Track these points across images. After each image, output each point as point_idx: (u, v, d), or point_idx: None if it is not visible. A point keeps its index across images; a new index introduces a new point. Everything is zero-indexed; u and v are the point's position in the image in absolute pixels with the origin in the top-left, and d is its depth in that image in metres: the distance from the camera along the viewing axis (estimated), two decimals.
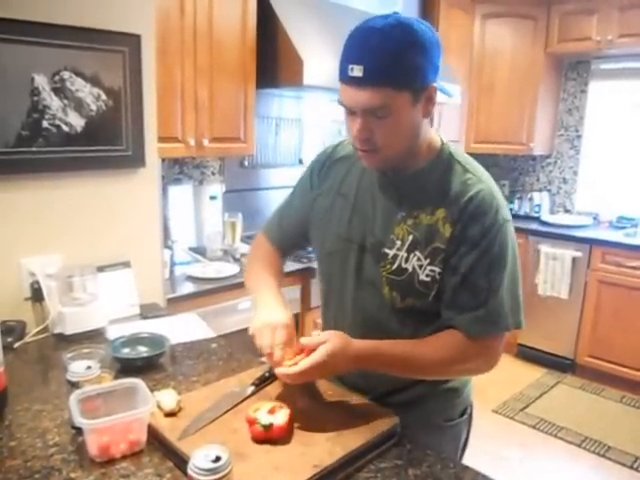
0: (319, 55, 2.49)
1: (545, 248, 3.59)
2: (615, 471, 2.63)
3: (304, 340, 1.06)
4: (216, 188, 2.67)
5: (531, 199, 4.04)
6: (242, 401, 1.13)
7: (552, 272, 3.56)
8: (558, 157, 4.11)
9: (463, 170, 1.09)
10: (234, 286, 2.22)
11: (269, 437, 0.98)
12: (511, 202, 4.15)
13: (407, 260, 1.09)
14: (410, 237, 1.09)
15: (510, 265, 1.07)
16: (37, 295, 1.56)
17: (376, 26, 0.98)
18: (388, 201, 1.14)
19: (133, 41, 1.65)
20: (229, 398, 1.13)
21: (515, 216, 4.04)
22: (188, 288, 2.17)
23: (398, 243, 1.10)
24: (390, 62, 0.95)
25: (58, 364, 1.31)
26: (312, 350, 1.03)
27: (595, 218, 3.87)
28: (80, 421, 0.95)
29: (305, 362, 1.01)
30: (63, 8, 1.51)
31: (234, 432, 1.01)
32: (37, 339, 1.52)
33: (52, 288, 1.53)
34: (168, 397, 1.08)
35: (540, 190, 4.18)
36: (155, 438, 1.01)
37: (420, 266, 1.08)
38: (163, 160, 2.54)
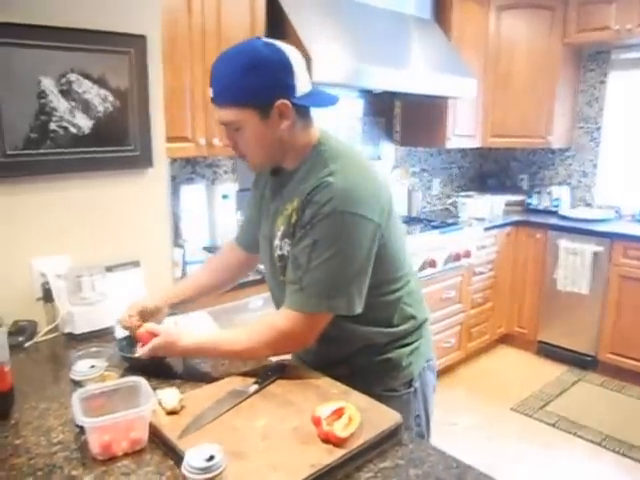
0: (328, 52, 2.48)
1: (565, 243, 3.52)
2: (637, 471, 2.57)
3: (146, 325, 1.30)
4: (229, 187, 2.68)
5: (550, 193, 3.97)
6: (244, 399, 1.13)
7: (572, 267, 3.49)
8: (577, 150, 4.03)
9: (324, 166, 1.18)
10: (245, 284, 2.22)
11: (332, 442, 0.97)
12: (529, 196, 4.08)
13: (281, 248, 1.24)
14: (282, 227, 1.24)
15: (343, 254, 1.14)
16: (48, 295, 1.58)
17: (225, 52, 1.16)
18: (274, 197, 1.31)
19: (139, 42, 1.66)
20: (231, 397, 1.13)
21: (534, 211, 3.99)
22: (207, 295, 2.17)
23: (278, 234, 1.25)
24: (227, 85, 1.14)
25: (67, 363, 1.33)
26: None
27: (617, 212, 3.78)
28: (81, 419, 0.95)
29: (147, 346, 1.24)
30: (67, 11, 1.53)
31: (234, 430, 1.01)
32: (47, 338, 1.54)
33: (61, 288, 1.55)
34: (170, 396, 1.09)
35: (559, 184, 4.10)
36: (156, 436, 1.02)
37: (287, 251, 1.23)
38: (175, 160, 2.56)
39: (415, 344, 1.33)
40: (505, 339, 3.94)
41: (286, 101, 1.14)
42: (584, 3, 3.49)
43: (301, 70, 1.18)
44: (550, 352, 3.71)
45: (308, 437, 0.98)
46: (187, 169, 2.65)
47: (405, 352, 1.31)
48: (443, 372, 3.39)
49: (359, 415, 1.02)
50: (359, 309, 1.18)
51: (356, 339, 1.29)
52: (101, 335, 1.54)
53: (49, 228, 1.62)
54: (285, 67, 1.14)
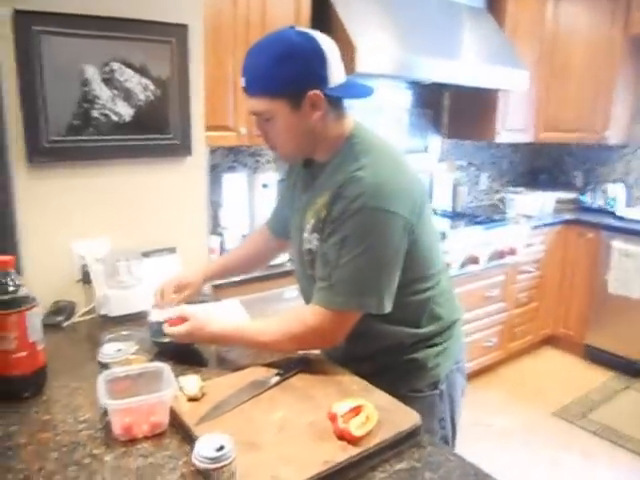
0: (375, 42, 2.43)
1: (618, 244, 3.36)
2: None
3: (178, 308, 1.31)
4: (270, 176, 2.69)
5: (605, 191, 3.78)
6: (265, 391, 1.13)
7: (625, 270, 3.32)
8: (637, 147, 3.81)
9: (354, 159, 1.16)
10: (281, 274, 2.23)
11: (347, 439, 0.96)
12: (583, 194, 3.91)
13: (309, 241, 1.22)
14: (312, 221, 1.21)
15: (373, 251, 1.11)
16: (86, 277, 1.63)
17: (258, 42, 1.15)
18: (306, 189, 1.29)
19: (180, 31, 1.67)
20: (252, 387, 1.13)
21: (588, 209, 3.82)
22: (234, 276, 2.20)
23: (307, 227, 1.23)
24: (260, 75, 1.13)
25: (100, 344, 1.37)
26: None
27: None
28: (104, 401, 0.98)
29: (177, 328, 1.25)
30: (110, 0, 1.56)
31: (251, 421, 1.02)
32: (85, 319, 1.60)
33: (99, 271, 1.60)
34: (192, 382, 1.10)
35: (615, 182, 3.90)
36: (176, 422, 1.03)
37: (316, 245, 1.21)
38: (217, 148, 2.59)
39: (443, 345, 1.30)
40: (550, 340, 3.81)
41: (318, 92, 1.12)
42: None
43: (335, 60, 1.15)
44: (597, 357, 3.56)
45: (324, 433, 0.98)
46: (229, 157, 2.67)
47: (432, 353, 1.28)
48: (482, 372, 3.32)
49: (377, 414, 1.00)
50: (389, 308, 1.16)
51: (383, 337, 1.26)
52: (135, 319, 1.58)
53: (90, 212, 1.67)
54: (318, 56, 1.12)
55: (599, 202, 3.82)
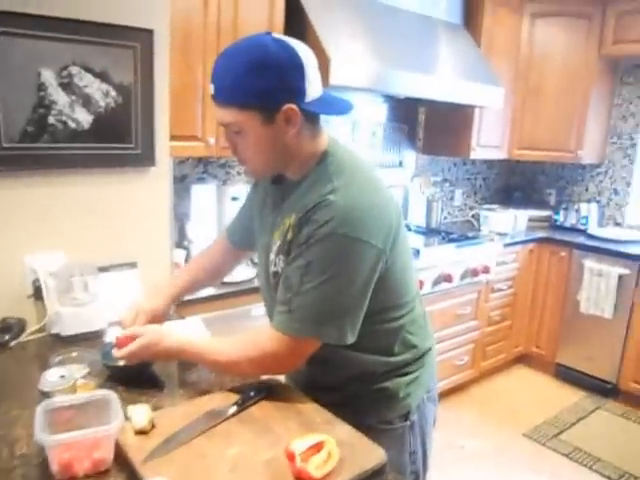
0: (349, 53, 2.39)
1: (590, 263, 3.36)
2: None
3: (127, 329, 1.24)
4: (240, 189, 2.61)
5: (578, 210, 3.80)
6: (221, 422, 1.05)
7: (596, 289, 3.33)
8: (610, 166, 3.85)
9: (327, 181, 1.08)
10: (248, 291, 2.16)
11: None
12: (557, 213, 3.92)
13: (275, 264, 1.16)
14: (278, 242, 1.15)
15: (338, 280, 1.04)
16: (39, 293, 1.53)
17: (231, 46, 1.05)
18: (274, 208, 1.22)
19: (145, 36, 1.60)
20: (207, 418, 1.05)
21: (560, 228, 3.83)
22: (200, 291, 2.11)
23: (274, 248, 1.16)
24: (230, 83, 1.03)
25: (47, 368, 1.27)
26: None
27: None
28: (40, 436, 0.89)
29: (128, 348, 1.17)
30: (72, 1, 1.48)
31: (202, 458, 0.94)
32: (35, 338, 1.49)
33: (52, 287, 1.50)
34: (141, 413, 1.02)
35: (588, 201, 3.93)
36: (121, 457, 0.95)
37: (281, 268, 1.14)
38: (187, 159, 2.51)
39: (415, 374, 1.23)
40: (522, 359, 3.79)
41: (294, 106, 1.04)
42: (623, 13, 3.32)
43: (313, 72, 1.06)
44: (568, 376, 3.55)
45: (281, 473, 0.90)
46: (199, 168, 2.59)
47: (404, 382, 1.21)
48: (454, 391, 3.27)
49: (339, 451, 0.93)
50: (351, 339, 1.08)
51: (351, 366, 1.19)
52: (90, 338, 1.49)
53: (45, 224, 1.57)
54: (296, 67, 1.03)
55: (572, 221, 3.83)
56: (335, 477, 0.89)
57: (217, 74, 1.06)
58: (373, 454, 0.97)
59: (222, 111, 1.06)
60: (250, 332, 1.16)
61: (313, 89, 1.07)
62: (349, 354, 1.15)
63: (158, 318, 1.36)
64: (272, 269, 1.17)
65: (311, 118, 1.09)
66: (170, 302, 1.43)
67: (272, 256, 1.17)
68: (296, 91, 1.04)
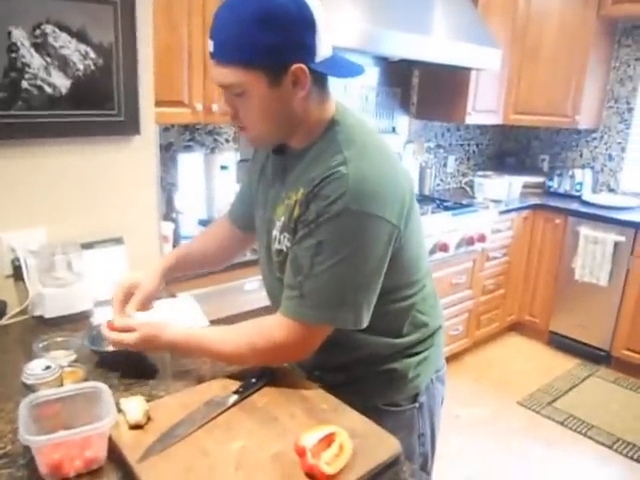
0: (339, 12, 2.25)
1: (585, 230, 3.32)
2: None
3: (117, 321, 1.13)
4: (229, 157, 2.50)
5: (572, 176, 3.74)
6: (221, 412, 0.98)
7: (591, 256, 3.30)
8: (605, 131, 3.78)
9: (337, 151, 0.99)
10: (242, 265, 2.06)
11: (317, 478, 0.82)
12: (550, 179, 3.86)
13: (279, 241, 1.07)
14: (283, 218, 1.06)
15: (352, 261, 0.96)
16: (18, 273, 1.43)
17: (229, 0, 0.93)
18: (275, 180, 1.12)
19: None
20: (207, 408, 0.98)
21: (554, 194, 3.78)
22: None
23: (277, 224, 1.08)
24: (233, 38, 0.91)
25: (32, 352, 1.18)
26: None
27: None
28: (25, 437, 0.81)
29: (127, 336, 1.08)
30: None
31: (204, 455, 0.86)
32: (16, 321, 1.40)
33: (32, 266, 1.40)
34: (135, 406, 0.94)
35: (583, 167, 3.87)
36: (115, 454, 0.87)
37: (287, 246, 1.05)
38: (173, 126, 2.38)
39: (425, 353, 1.17)
40: (516, 327, 3.79)
41: (303, 66, 0.93)
42: None
43: (324, 28, 0.95)
44: (562, 344, 3.55)
45: (290, 469, 0.84)
46: (185, 136, 2.47)
47: (413, 362, 1.15)
48: (449, 360, 3.20)
49: (351, 442, 0.87)
50: (366, 322, 1.01)
51: (359, 347, 1.12)
52: (75, 320, 1.40)
53: (22, 198, 1.46)
54: (307, 22, 0.92)
55: (566, 187, 3.78)
56: (349, 472, 0.83)
57: (217, 28, 0.94)
58: (387, 444, 0.90)
59: (223, 71, 0.94)
60: (255, 321, 1.07)
61: (323, 48, 0.96)
62: (356, 336, 1.08)
63: (151, 299, 1.26)
64: (276, 246, 1.09)
65: (320, 80, 0.99)
66: (159, 281, 1.30)
67: (275, 232, 1.09)
68: (306, 49, 0.93)
